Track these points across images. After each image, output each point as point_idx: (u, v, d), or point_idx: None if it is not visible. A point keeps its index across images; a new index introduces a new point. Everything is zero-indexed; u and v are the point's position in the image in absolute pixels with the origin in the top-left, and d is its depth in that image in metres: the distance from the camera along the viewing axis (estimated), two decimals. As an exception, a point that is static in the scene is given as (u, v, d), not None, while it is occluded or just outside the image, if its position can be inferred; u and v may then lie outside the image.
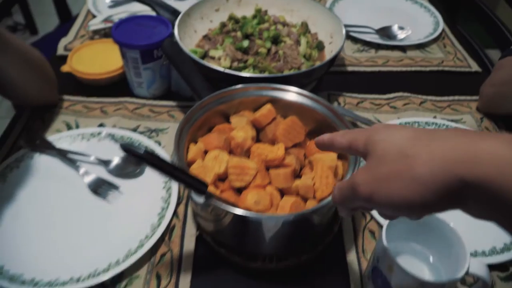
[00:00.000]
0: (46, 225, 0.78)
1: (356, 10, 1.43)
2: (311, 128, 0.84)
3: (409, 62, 1.22)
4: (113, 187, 0.85)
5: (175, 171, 0.58)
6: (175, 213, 0.81)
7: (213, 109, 0.82)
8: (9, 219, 0.79)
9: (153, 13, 1.13)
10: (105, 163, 0.90)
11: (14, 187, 0.84)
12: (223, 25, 1.15)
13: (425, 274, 0.67)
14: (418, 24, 1.37)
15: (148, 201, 0.82)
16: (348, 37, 1.31)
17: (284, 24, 1.18)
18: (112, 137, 0.95)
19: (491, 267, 0.72)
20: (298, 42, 1.10)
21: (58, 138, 0.94)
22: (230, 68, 1.03)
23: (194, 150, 0.76)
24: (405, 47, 1.28)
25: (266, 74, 0.94)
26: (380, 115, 1.05)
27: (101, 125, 1.00)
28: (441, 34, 1.33)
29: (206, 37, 1.15)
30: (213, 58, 1.07)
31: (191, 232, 0.78)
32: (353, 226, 0.80)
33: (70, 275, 0.70)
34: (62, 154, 0.90)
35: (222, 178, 0.74)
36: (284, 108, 0.85)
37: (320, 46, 1.13)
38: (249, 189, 0.71)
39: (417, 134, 0.41)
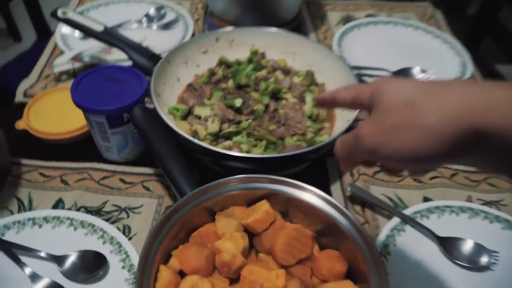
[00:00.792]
0: None
1: (367, 45, 1.23)
2: (316, 230, 0.65)
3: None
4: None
5: None
6: None
7: (194, 209, 0.63)
8: None
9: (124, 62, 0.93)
10: (59, 260, 0.71)
11: None
12: (211, 72, 0.96)
13: None
14: (442, 64, 1.18)
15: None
16: (359, 80, 1.11)
17: (285, 70, 0.99)
18: (70, 222, 0.76)
19: None
20: (302, 98, 0.91)
21: (3, 224, 0.75)
22: (219, 133, 0.84)
23: (164, 277, 0.57)
24: (427, 96, 1.09)
25: (261, 154, 0.75)
26: (402, 190, 0.87)
27: (59, 202, 0.81)
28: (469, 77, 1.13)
29: (191, 87, 0.96)
30: (198, 117, 0.87)
31: None
32: None
33: None
34: (6, 248, 0.71)
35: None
36: (284, 203, 0.67)
37: (328, 101, 0.93)
38: None
39: (424, 84, 0.40)
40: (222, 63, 0.99)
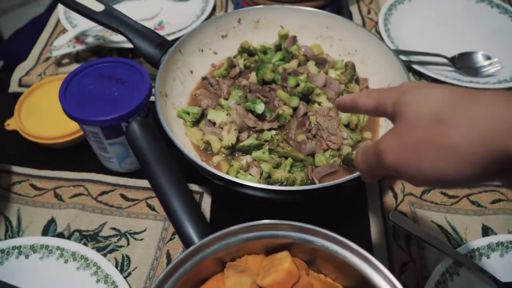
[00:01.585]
0: None
1: (420, 21, 1.04)
2: (348, 285, 0.53)
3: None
4: None
5: None
6: None
7: (200, 263, 0.51)
8: None
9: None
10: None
11: None
12: (230, 64, 0.80)
13: None
14: (509, 46, 0.98)
15: None
16: (409, 69, 0.93)
17: (320, 60, 0.82)
18: (60, 252, 0.65)
19: None
20: (339, 101, 0.75)
21: (-14, 251, 0.65)
22: (236, 145, 0.70)
23: None
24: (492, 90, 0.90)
25: (282, 187, 0.60)
26: (456, 216, 0.72)
27: (51, 223, 0.70)
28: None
29: (206, 81, 0.81)
30: (213, 123, 0.73)
31: None
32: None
33: None
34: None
35: None
36: (310, 253, 0.54)
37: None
38: None
39: (453, 95, 0.36)
40: (244, 50, 0.83)
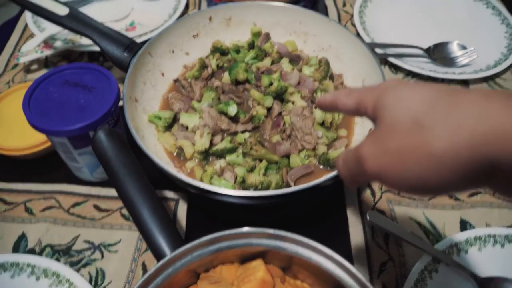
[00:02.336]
0: None
1: (396, 12, 1.02)
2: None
3: (474, 108, 0.85)
4: None
5: None
6: None
7: (173, 276, 0.49)
8: None
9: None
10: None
11: None
12: (202, 65, 0.78)
13: None
14: (485, 36, 0.97)
15: None
16: (385, 62, 0.92)
17: (294, 57, 0.81)
18: (32, 269, 0.63)
19: None
20: (313, 99, 0.73)
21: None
22: (209, 149, 0.68)
23: None
24: (468, 80, 0.90)
25: (256, 192, 0.59)
26: (434, 212, 0.71)
27: (21, 238, 0.68)
28: (518, 54, 0.93)
29: (178, 83, 0.79)
30: (186, 127, 0.71)
31: None
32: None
33: None
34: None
35: None
36: (285, 260, 0.53)
37: (346, 100, 0.75)
38: None
39: (434, 97, 0.34)
40: (217, 50, 0.81)
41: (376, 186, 0.73)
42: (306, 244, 0.51)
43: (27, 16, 0.96)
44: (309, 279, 0.54)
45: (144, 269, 0.64)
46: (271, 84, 0.74)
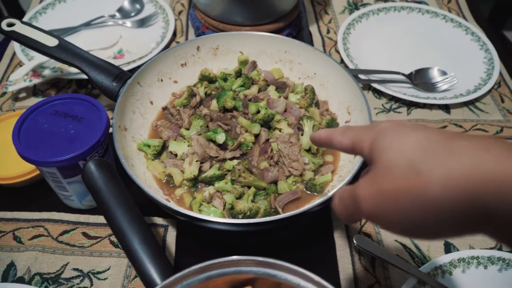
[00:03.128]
0: None
1: (378, 39, 1.06)
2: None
3: (456, 131, 0.87)
4: None
5: None
6: None
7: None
8: None
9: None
10: None
11: None
12: (190, 93, 0.80)
13: None
14: (465, 61, 1.01)
15: None
16: (368, 87, 0.95)
17: (280, 85, 0.83)
18: (20, 299, 0.63)
19: None
20: (299, 125, 0.75)
21: None
22: (197, 176, 0.69)
23: None
24: (449, 105, 0.92)
25: (245, 220, 0.60)
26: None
27: (10, 267, 0.68)
28: (496, 79, 0.96)
29: (166, 111, 0.80)
30: (175, 155, 0.73)
31: None
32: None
33: None
34: None
35: None
36: (273, 286, 0.54)
37: (332, 127, 0.78)
38: None
39: (430, 142, 0.35)
40: (205, 78, 0.83)
41: (362, 210, 0.75)
42: (294, 271, 0.52)
43: (15, 44, 0.97)
44: (298, 305, 0.55)
45: (134, 297, 0.64)
46: (258, 111, 0.76)
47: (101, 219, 0.73)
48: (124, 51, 1.00)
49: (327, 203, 0.62)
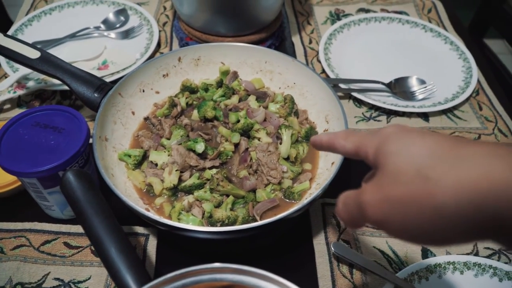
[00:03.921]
0: None
1: (359, 48, 1.08)
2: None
3: (434, 139, 0.89)
4: None
5: None
6: None
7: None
8: None
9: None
10: None
11: None
12: (172, 103, 0.81)
13: None
14: (444, 70, 1.03)
15: None
16: (349, 96, 0.97)
17: (260, 95, 0.84)
18: (0, 309, 0.63)
19: None
20: (278, 134, 0.77)
21: None
22: (177, 185, 0.70)
23: None
24: (428, 113, 0.94)
25: (222, 228, 0.61)
26: (396, 241, 0.74)
27: (-9, 277, 0.68)
28: (474, 87, 0.98)
29: (148, 121, 0.81)
30: (155, 164, 0.74)
31: None
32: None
33: None
34: None
35: None
36: (251, 293, 0.54)
37: (311, 135, 0.79)
38: None
39: (438, 148, 0.35)
40: (186, 88, 0.85)
41: (341, 217, 0.76)
42: (269, 278, 0.53)
43: (0, 57, 0.98)
44: (274, 311, 0.56)
45: (113, 306, 0.65)
46: (238, 121, 0.77)
47: (82, 229, 0.73)
48: (109, 62, 1.01)
49: (303, 210, 0.64)
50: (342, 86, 0.95)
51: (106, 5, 1.15)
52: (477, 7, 1.38)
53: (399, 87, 0.96)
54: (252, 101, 0.82)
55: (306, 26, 1.14)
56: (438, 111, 0.93)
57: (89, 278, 0.68)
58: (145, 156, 0.75)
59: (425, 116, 0.94)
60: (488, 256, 0.72)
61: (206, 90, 0.84)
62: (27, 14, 1.16)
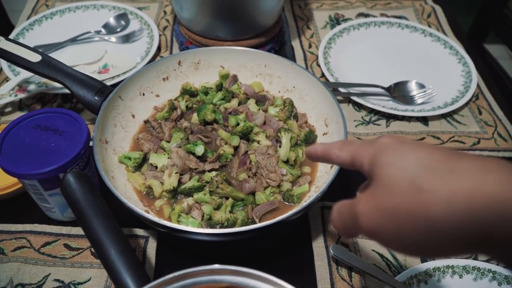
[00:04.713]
0: None
1: (358, 53, 1.08)
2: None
3: (434, 143, 0.89)
4: None
5: None
6: None
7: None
8: None
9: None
10: None
11: None
12: (172, 106, 0.81)
13: None
14: (443, 74, 1.03)
15: None
16: (348, 100, 0.97)
17: (260, 98, 0.85)
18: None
19: None
20: (277, 137, 0.77)
21: None
22: (177, 188, 0.71)
23: None
24: (427, 117, 0.95)
25: (222, 230, 0.61)
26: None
27: (-9, 278, 0.68)
28: (474, 91, 0.98)
29: (148, 124, 0.82)
30: (155, 167, 0.74)
31: None
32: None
33: None
34: None
35: None
36: (250, 296, 0.54)
37: (310, 138, 0.79)
38: None
39: (432, 160, 0.35)
40: (186, 91, 0.85)
41: (340, 220, 0.76)
42: (268, 280, 0.53)
43: (2, 60, 0.99)
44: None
45: (113, 308, 0.65)
46: (238, 124, 0.77)
47: (82, 230, 0.74)
48: (109, 66, 1.02)
49: (302, 212, 0.64)
50: (342, 90, 0.95)
51: (107, 10, 1.16)
52: (476, 12, 1.38)
53: (398, 91, 0.97)
54: (251, 104, 0.82)
55: (305, 30, 1.15)
56: (437, 115, 0.94)
57: (89, 280, 0.69)
58: (145, 159, 0.76)
59: (424, 120, 0.94)
60: (487, 260, 0.72)
61: (206, 93, 0.85)
62: (28, 18, 1.16)
